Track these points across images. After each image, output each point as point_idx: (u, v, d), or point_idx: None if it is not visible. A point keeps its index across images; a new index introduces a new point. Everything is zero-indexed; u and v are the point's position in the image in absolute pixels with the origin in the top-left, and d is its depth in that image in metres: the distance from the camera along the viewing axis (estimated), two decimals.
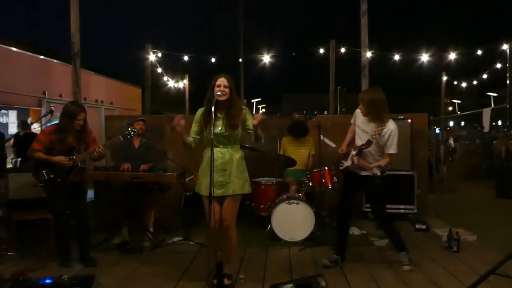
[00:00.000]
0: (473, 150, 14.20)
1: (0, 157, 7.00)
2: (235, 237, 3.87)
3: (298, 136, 6.17)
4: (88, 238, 4.68)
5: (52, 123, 4.74)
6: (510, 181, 9.54)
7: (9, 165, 8.34)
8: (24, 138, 8.37)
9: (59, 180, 4.39)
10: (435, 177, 8.70)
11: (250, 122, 3.78)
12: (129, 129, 4.61)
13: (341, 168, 4.50)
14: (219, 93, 3.65)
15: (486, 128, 6.10)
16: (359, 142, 4.39)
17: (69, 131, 4.43)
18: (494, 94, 29.10)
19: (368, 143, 4.28)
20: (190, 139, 3.83)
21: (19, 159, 6.21)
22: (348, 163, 4.39)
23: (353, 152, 4.34)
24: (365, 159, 4.33)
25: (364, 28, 7.64)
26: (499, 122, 24.32)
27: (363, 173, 4.36)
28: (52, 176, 4.38)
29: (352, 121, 4.62)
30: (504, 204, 8.67)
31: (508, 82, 10.70)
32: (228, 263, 3.87)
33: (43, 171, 4.38)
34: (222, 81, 3.72)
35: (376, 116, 4.28)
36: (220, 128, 3.73)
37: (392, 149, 4.26)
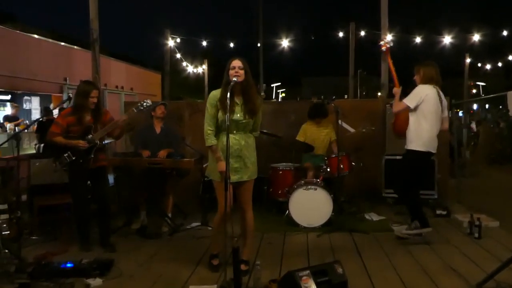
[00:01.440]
0: (497, 134, 13.85)
1: None
2: (252, 221, 3.88)
3: (319, 116, 6.09)
4: (109, 223, 4.76)
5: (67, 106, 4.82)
6: None
7: (32, 151, 8.54)
8: (48, 124, 8.55)
9: (81, 161, 4.42)
10: (457, 161, 8.54)
11: (259, 115, 3.82)
12: (142, 101, 4.64)
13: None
14: (235, 78, 3.60)
15: (511, 111, 5.92)
16: None
17: (84, 110, 4.47)
18: None
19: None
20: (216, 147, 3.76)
21: (42, 145, 6.34)
22: None
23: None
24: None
25: (384, 11, 7.44)
26: None
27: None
28: (74, 158, 4.42)
29: None
30: None
31: None
32: (246, 249, 3.90)
33: (65, 155, 4.42)
34: (236, 63, 3.66)
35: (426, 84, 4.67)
36: (238, 115, 3.68)
37: (406, 99, 4.63)
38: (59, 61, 12.73)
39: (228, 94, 3.49)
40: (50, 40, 12.93)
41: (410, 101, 4.60)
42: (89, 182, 4.62)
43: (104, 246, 4.57)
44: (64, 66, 12.89)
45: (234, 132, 3.70)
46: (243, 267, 3.78)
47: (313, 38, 13.69)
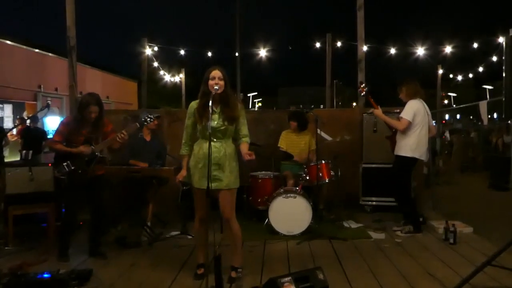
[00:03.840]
0: (469, 143, 14.27)
1: None
2: (238, 229, 3.88)
3: (299, 123, 6.14)
4: (102, 232, 4.75)
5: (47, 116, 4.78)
6: (503, 173, 9.63)
7: (14, 158, 8.41)
8: (34, 131, 8.49)
9: (80, 171, 4.35)
10: (431, 170, 8.78)
11: (242, 121, 3.81)
12: (145, 117, 4.57)
13: None
14: (216, 87, 3.62)
15: (485, 121, 6.13)
16: None
17: (82, 122, 4.41)
18: (490, 87, 29.16)
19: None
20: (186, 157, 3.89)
21: (31, 152, 6.22)
22: None
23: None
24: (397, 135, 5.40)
25: (361, 22, 7.60)
26: (495, 115, 24.41)
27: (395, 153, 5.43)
28: (73, 168, 4.34)
29: None
30: (497, 196, 8.79)
31: (504, 74, 10.75)
32: (235, 256, 3.90)
33: (64, 164, 4.34)
34: (216, 73, 3.68)
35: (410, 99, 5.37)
36: (216, 122, 3.71)
37: (403, 114, 5.24)
38: (32, 68, 12.51)
39: (211, 102, 3.51)
40: (24, 47, 12.68)
41: (408, 116, 5.22)
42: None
43: (95, 255, 4.51)
44: (38, 73, 12.67)
45: (214, 140, 3.71)
46: (233, 274, 3.81)
47: (290, 48, 13.82)
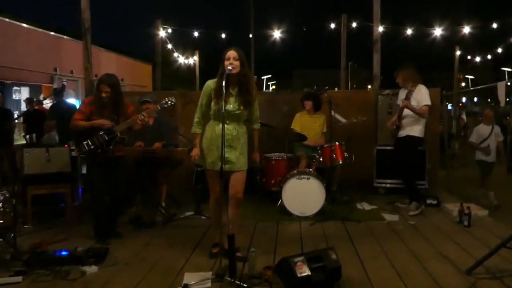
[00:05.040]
0: None
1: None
2: (239, 213, 4.00)
3: (314, 102, 6.14)
4: (119, 213, 4.84)
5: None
6: None
7: (22, 141, 8.51)
8: (35, 114, 8.55)
9: (100, 151, 4.41)
10: (447, 152, 8.68)
11: (255, 104, 3.88)
12: (166, 99, 4.58)
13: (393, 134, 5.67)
14: (229, 67, 3.61)
15: (502, 103, 6.00)
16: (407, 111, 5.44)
17: (102, 102, 4.42)
18: (509, 69, 28.53)
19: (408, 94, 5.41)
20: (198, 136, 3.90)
21: (34, 135, 6.28)
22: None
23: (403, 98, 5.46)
24: (405, 119, 5.48)
25: (377, 1, 7.48)
26: None
27: (402, 134, 5.53)
28: (92, 147, 4.40)
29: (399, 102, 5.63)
30: None
31: None
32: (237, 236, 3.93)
33: (84, 143, 4.40)
34: (231, 53, 3.67)
35: (407, 83, 5.47)
36: (232, 105, 3.71)
37: (425, 101, 5.35)
38: (48, 51, 12.62)
39: (224, 83, 3.51)
40: (40, 30, 12.77)
41: (428, 101, 5.40)
42: None
43: (111, 234, 4.56)
44: (54, 56, 12.78)
45: (227, 122, 3.71)
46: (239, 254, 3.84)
47: (304, 29, 13.66)
